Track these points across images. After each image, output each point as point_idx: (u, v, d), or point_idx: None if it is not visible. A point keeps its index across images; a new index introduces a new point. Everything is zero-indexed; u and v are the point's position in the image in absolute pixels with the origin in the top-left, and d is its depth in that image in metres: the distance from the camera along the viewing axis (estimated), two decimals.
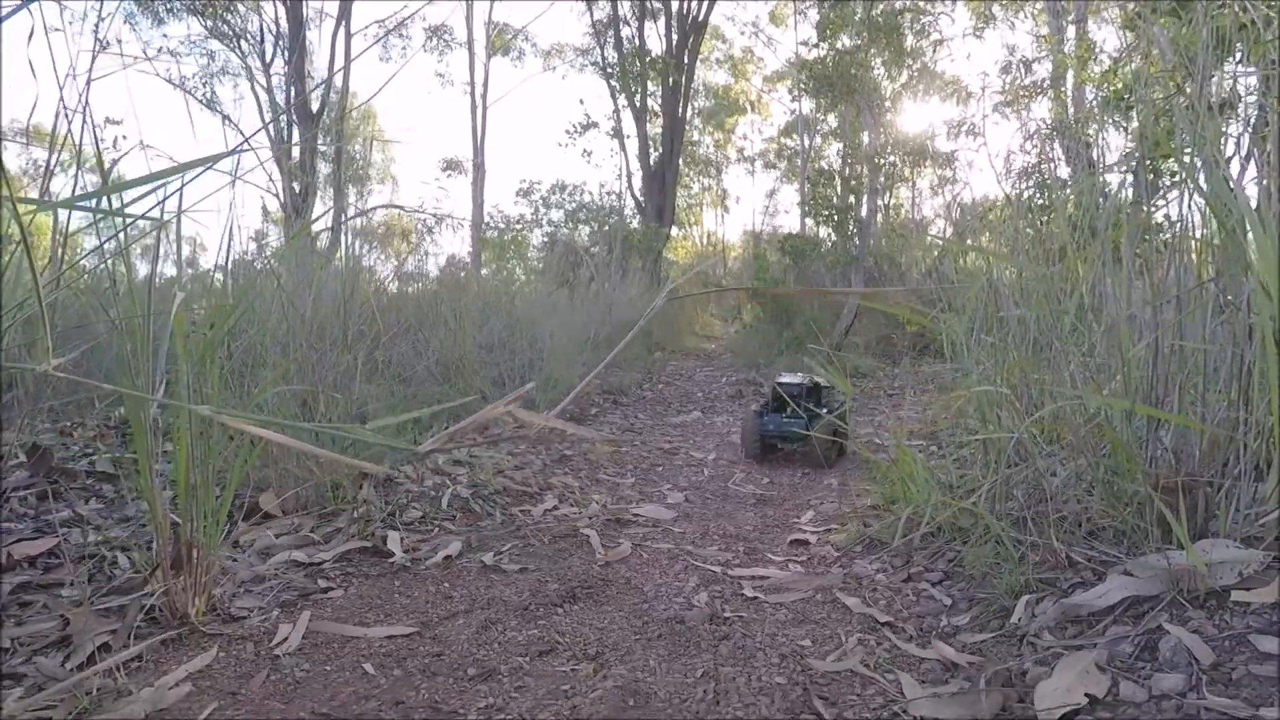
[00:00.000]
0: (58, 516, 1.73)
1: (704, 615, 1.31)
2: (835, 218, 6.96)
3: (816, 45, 7.88)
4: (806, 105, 15.16)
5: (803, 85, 10.86)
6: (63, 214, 2.49)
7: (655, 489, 2.45)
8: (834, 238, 7.15)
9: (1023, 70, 10.08)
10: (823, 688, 1.06)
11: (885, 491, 1.87)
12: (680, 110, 12.93)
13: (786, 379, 2.97)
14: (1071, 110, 7.95)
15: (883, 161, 9.42)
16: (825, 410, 2.86)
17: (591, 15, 13.93)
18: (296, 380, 2.10)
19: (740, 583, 1.51)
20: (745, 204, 32.57)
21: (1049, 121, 7.76)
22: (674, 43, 12.77)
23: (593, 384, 4.74)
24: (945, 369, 2.30)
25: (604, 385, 4.82)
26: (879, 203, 10.71)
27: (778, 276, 7.53)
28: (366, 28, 14.11)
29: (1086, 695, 0.94)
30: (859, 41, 8.53)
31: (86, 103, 1.41)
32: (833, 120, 13.71)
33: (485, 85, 15.47)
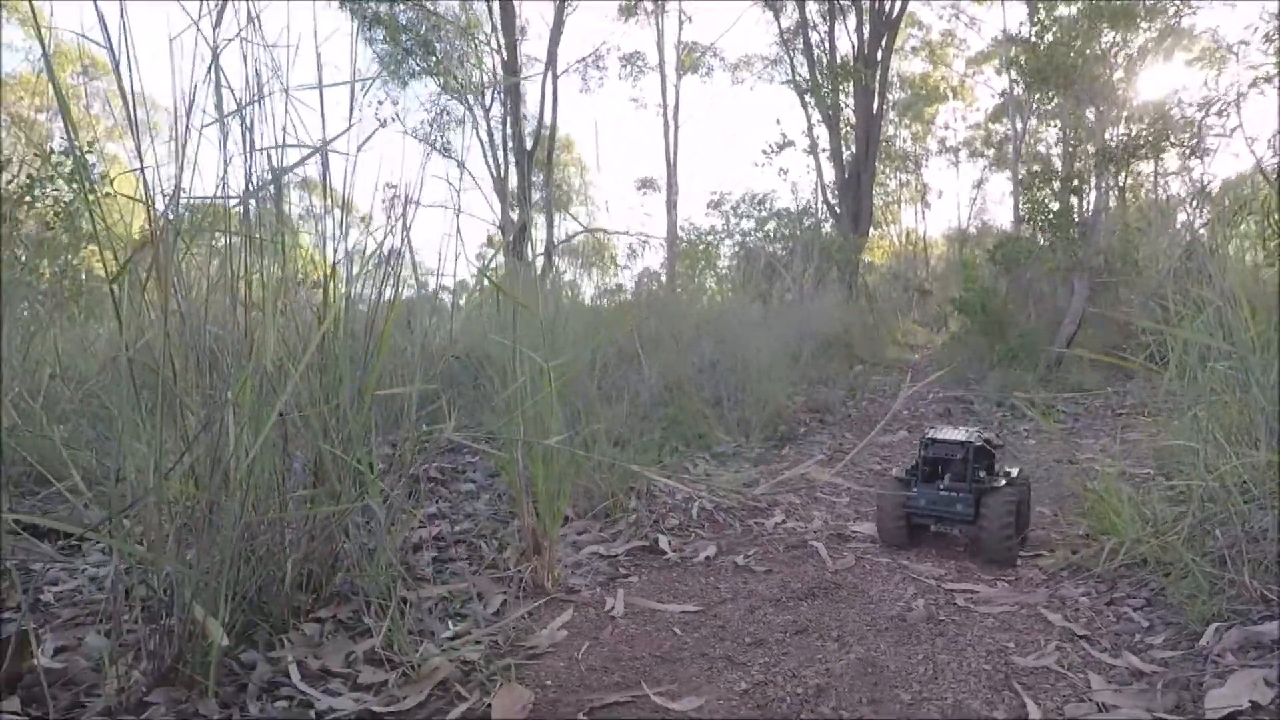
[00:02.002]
0: (426, 513, 2.49)
1: (922, 616, 1.68)
2: (1053, 221, 6.70)
3: (1025, 39, 7.57)
4: (1017, 87, 14.24)
5: (1014, 80, 10.31)
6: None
7: (869, 508, 2.80)
8: (1051, 242, 6.86)
9: None
10: (1021, 677, 1.40)
11: (1092, 524, 2.08)
12: (875, 110, 12.77)
13: (943, 435, 2.32)
14: None
15: (1116, 138, 8.68)
16: (1001, 478, 2.24)
17: (779, 24, 14.20)
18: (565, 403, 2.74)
19: (953, 594, 1.85)
20: (949, 198, 30.87)
21: None
22: (865, 41, 12.65)
23: (798, 402, 5.11)
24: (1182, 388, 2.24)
25: (809, 404, 5.16)
26: (1112, 182, 9.81)
27: (988, 285, 7.34)
28: (571, 67, 15.54)
29: (1250, 701, 1.20)
30: (1077, 21, 8.02)
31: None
32: (1049, 104, 12.76)
33: (676, 105, 16.31)
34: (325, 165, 1.70)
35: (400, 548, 1.99)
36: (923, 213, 23.15)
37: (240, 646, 1.44)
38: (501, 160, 14.62)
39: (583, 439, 2.29)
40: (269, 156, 1.60)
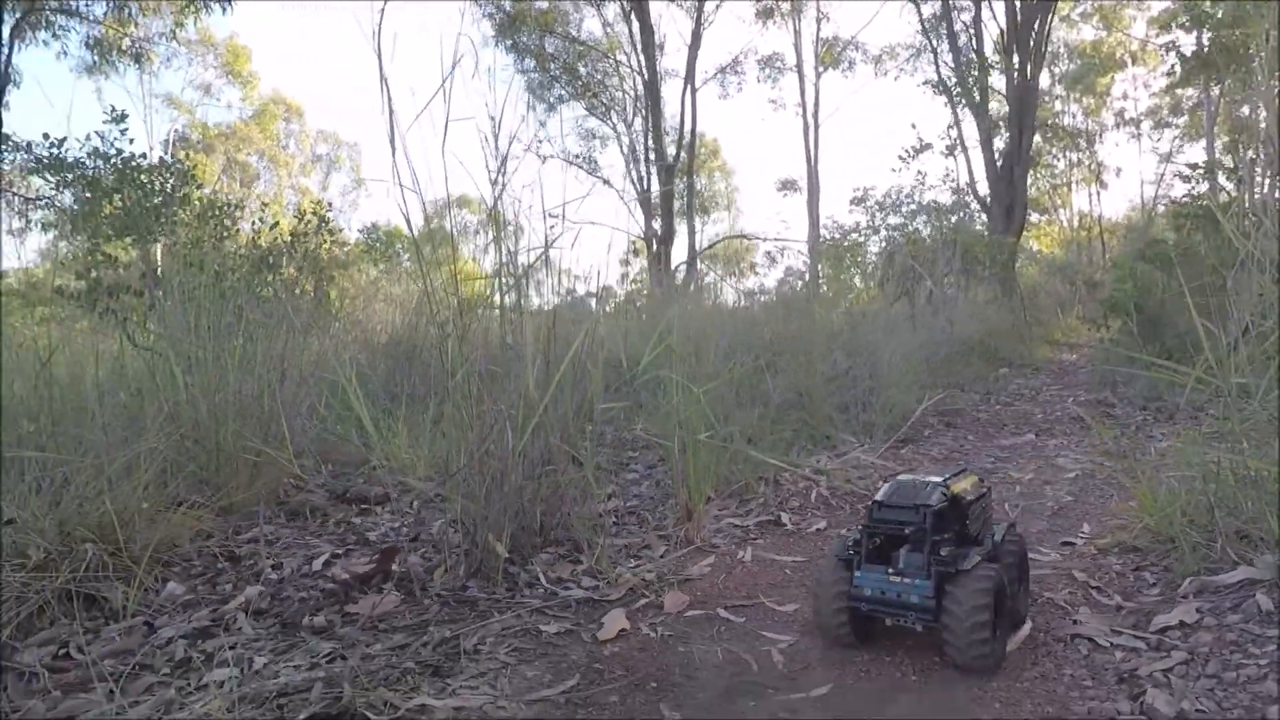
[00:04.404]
0: (606, 492, 3.40)
1: None
2: (1208, 216, 6.66)
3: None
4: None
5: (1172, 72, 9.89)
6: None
7: None
8: (1214, 240, 6.81)
9: None
10: (1034, 608, 2.05)
11: (1138, 510, 2.62)
12: (1030, 96, 12.53)
13: (895, 496, 1.78)
14: None
15: None
16: (977, 549, 1.75)
17: (920, 14, 14.21)
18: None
19: None
20: (1130, 175, 28.57)
21: None
22: (1018, 20, 12.41)
23: (928, 409, 5.59)
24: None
25: (939, 408, 5.65)
26: None
27: (1143, 283, 7.34)
28: (710, 78, 16.39)
29: (1180, 620, 1.81)
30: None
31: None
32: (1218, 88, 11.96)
33: (816, 103, 16.69)
34: (548, 258, 2.65)
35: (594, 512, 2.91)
36: (1098, 194, 21.79)
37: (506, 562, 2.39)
38: (644, 173, 15.72)
39: (723, 438, 3.10)
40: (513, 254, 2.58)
